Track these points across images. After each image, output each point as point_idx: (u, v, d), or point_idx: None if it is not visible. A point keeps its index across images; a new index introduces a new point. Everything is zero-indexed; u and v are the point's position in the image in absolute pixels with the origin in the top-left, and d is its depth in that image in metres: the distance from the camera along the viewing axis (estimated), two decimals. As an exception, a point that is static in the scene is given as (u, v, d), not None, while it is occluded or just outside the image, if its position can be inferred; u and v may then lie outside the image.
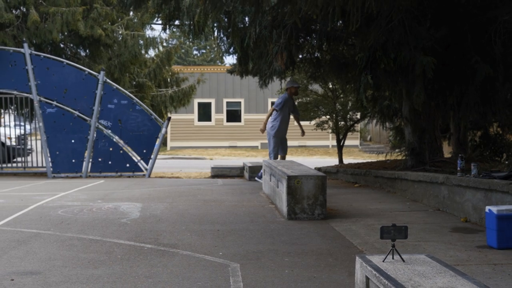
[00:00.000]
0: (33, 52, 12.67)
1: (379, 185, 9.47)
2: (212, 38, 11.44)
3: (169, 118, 13.58)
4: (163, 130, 12.87)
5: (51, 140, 12.48)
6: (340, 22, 8.51)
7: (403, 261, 3.22)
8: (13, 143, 14.73)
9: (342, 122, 15.80)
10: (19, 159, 13.71)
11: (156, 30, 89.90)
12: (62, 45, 16.12)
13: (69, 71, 12.66)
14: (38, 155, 13.42)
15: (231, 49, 11.02)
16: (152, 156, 12.76)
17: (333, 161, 18.68)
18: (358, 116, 16.23)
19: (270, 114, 10.63)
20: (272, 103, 32.37)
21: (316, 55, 10.74)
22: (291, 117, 10.93)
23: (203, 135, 29.75)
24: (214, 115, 30.17)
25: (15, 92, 12.61)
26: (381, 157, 13.49)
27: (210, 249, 4.93)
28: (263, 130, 10.75)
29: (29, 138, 15.27)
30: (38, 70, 12.46)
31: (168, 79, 19.52)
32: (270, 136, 10.63)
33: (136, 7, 11.07)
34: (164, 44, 18.99)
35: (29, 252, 4.82)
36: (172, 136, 29.58)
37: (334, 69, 10.60)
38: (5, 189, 9.62)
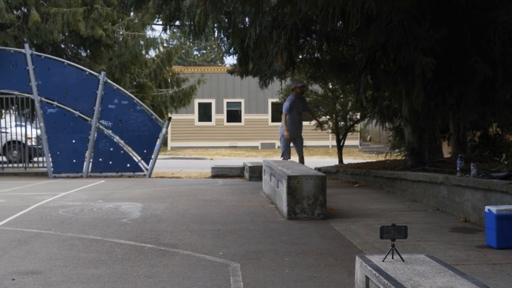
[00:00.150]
0: (34, 52, 12.69)
1: (379, 185, 9.49)
2: (213, 38, 11.46)
3: (169, 118, 13.60)
4: (164, 130, 12.89)
5: (52, 140, 12.51)
6: (340, 22, 8.53)
7: (403, 260, 3.23)
8: (33, 144, 14.74)
9: (342, 122, 15.80)
10: (40, 159, 13.73)
11: (156, 30, 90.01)
12: (63, 46, 16.14)
13: (70, 71, 12.69)
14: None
15: (232, 49, 11.04)
16: (152, 156, 12.78)
17: (333, 161, 18.68)
18: (358, 116, 16.23)
19: (285, 120, 10.62)
20: (272, 103, 32.05)
21: (316, 55, 10.76)
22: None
23: (203, 135, 29.77)
24: (214, 115, 30.18)
25: (16, 93, 12.64)
26: (381, 157, 13.50)
27: (210, 249, 4.94)
28: (287, 135, 10.67)
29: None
30: (39, 71, 12.48)
31: (169, 80, 19.54)
32: (281, 137, 10.71)
33: (137, 8, 11.09)
34: (165, 44, 18.99)
35: (30, 252, 4.84)
36: (173, 136, 29.60)
37: (334, 69, 10.62)
38: (6, 189, 9.65)
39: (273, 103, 29.19)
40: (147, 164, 12.72)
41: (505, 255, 4.63)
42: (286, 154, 10.73)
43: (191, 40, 11.62)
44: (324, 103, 15.72)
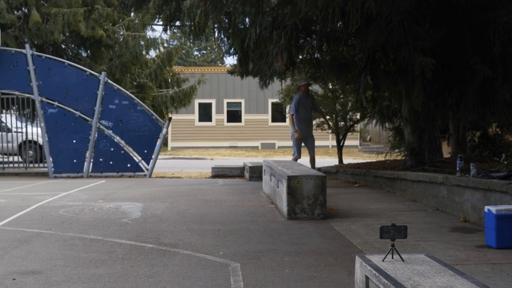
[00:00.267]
0: (35, 53, 12.71)
1: (378, 185, 9.50)
2: (213, 39, 11.47)
3: (170, 119, 13.62)
4: (164, 130, 12.90)
5: (52, 140, 12.52)
6: (340, 23, 8.55)
7: (403, 260, 3.24)
8: None
9: (342, 123, 15.82)
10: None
11: (157, 31, 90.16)
12: (63, 46, 16.16)
13: (70, 71, 12.71)
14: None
15: (232, 50, 11.05)
16: (153, 156, 12.80)
17: (333, 161, 18.70)
18: (358, 117, 16.25)
19: (292, 121, 10.59)
20: (272, 104, 31.99)
21: (316, 55, 10.76)
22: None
23: (203, 136, 29.78)
24: (214, 116, 30.20)
25: (16, 93, 12.65)
26: (381, 157, 13.52)
27: (210, 249, 4.96)
28: (298, 137, 10.61)
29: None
30: (40, 71, 12.50)
31: (169, 80, 19.55)
32: (291, 136, 10.66)
33: (137, 8, 11.10)
34: (165, 45, 19.02)
35: (30, 251, 4.85)
36: (173, 136, 29.61)
37: (334, 69, 10.62)
38: (7, 189, 9.66)
39: (273, 103, 29.21)
40: (148, 164, 12.73)
41: (504, 255, 4.64)
42: (296, 154, 10.55)
43: (191, 41, 11.62)
44: (324, 103, 15.72)
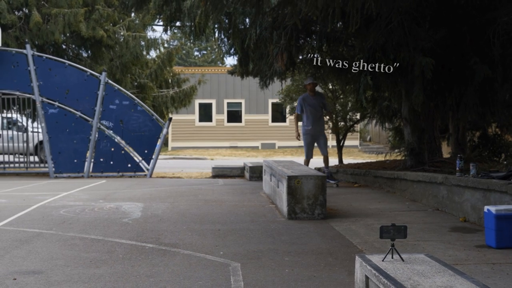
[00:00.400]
0: (36, 53, 12.74)
1: (378, 185, 9.52)
2: (213, 39, 11.49)
3: (170, 119, 13.63)
4: (164, 130, 12.92)
5: (53, 140, 12.54)
6: (340, 23, 8.56)
7: (403, 260, 3.25)
8: None
9: (342, 123, 15.83)
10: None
11: (157, 31, 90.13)
12: (64, 46, 16.18)
13: (71, 72, 12.73)
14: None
15: (232, 50, 11.06)
16: (153, 156, 12.81)
17: (333, 161, 18.65)
18: (358, 117, 16.26)
19: (296, 121, 10.52)
20: (273, 104, 32.00)
21: (316, 56, 10.76)
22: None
23: (204, 136, 29.80)
24: (215, 116, 30.22)
25: (17, 93, 12.67)
26: (381, 157, 13.52)
27: (211, 249, 4.97)
28: (298, 137, 10.55)
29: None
30: (40, 71, 12.52)
31: (169, 80, 19.57)
32: (301, 136, 10.41)
33: (138, 9, 11.10)
34: (165, 45, 19.04)
35: (31, 251, 4.86)
36: (173, 136, 29.63)
37: (334, 70, 10.62)
38: (8, 189, 9.68)
39: (273, 104, 29.23)
40: (148, 164, 12.75)
41: (504, 254, 4.65)
42: (307, 154, 10.36)
43: (191, 41, 11.64)
44: (324, 104, 15.72)
